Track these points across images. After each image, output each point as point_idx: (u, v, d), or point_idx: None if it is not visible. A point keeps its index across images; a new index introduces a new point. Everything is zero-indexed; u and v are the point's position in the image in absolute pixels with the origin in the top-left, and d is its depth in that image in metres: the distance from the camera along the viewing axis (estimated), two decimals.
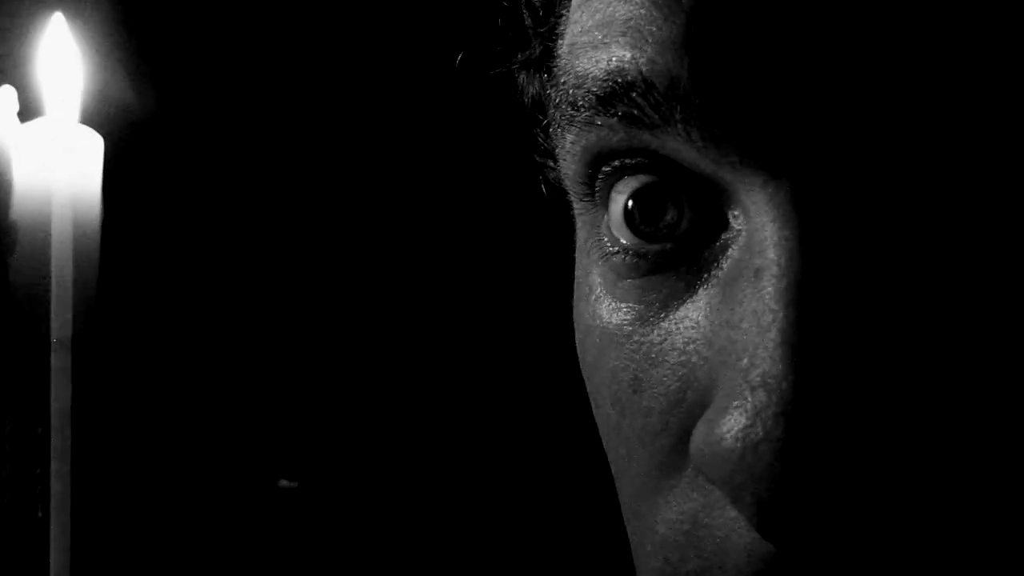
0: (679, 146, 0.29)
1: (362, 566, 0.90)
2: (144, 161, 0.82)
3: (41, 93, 0.41)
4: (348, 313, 0.94)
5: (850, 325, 0.27)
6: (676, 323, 0.31)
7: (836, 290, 0.27)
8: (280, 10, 0.91)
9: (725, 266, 0.30)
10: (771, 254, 0.27)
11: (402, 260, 0.93)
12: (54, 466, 0.36)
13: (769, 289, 0.27)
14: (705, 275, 0.30)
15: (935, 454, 0.27)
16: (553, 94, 0.35)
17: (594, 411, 0.36)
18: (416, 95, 0.89)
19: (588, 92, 0.31)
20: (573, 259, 0.37)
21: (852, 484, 0.26)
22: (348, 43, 0.90)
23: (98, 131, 0.40)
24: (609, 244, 0.33)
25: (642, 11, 0.29)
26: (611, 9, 0.30)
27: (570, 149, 0.33)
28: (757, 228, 0.28)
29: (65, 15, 0.42)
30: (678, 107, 0.28)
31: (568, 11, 0.34)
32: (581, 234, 0.36)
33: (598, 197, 0.33)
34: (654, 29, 0.29)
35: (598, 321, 0.33)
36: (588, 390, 0.36)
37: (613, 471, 0.35)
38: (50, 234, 0.38)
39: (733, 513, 0.29)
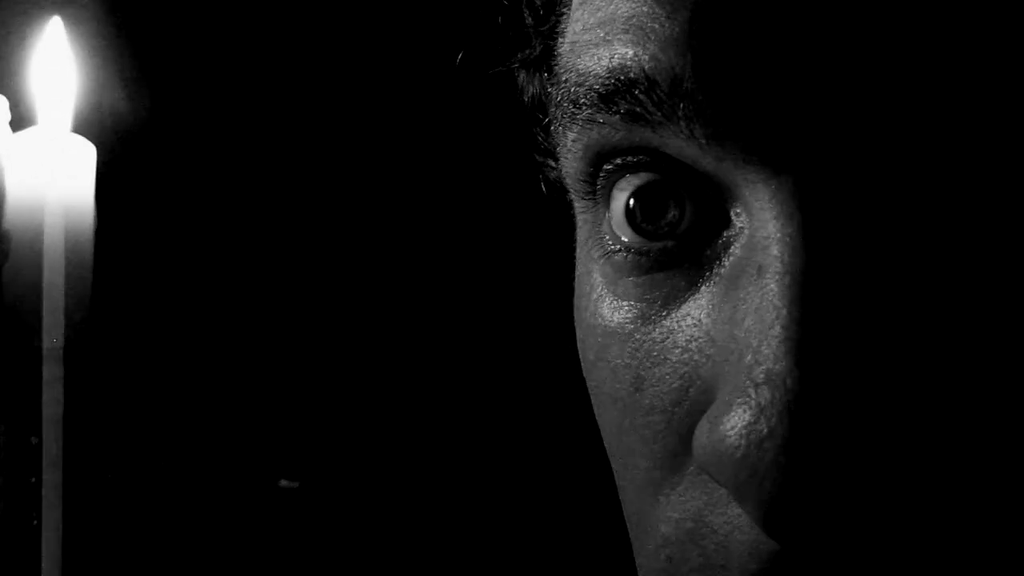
0: (681, 143, 0.29)
1: (362, 566, 0.90)
2: (138, 170, 0.82)
3: (34, 103, 0.40)
4: (347, 313, 0.94)
5: (853, 322, 0.27)
6: (678, 321, 0.31)
7: (839, 287, 0.27)
8: (277, 13, 0.91)
9: (727, 264, 0.30)
10: (774, 251, 0.27)
11: (402, 260, 0.93)
12: (46, 475, 0.36)
13: (772, 286, 0.27)
14: (707, 273, 0.30)
15: (940, 451, 0.27)
16: (554, 92, 0.35)
17: (595, 410, 0.36)
18: (416, 94, 0.89)
19: (590, 90, 0.31)
20: (574, 258, 0.37)
21: (857, 481, 0.26)
22: (347, 44, 0.90)
23: (91, 140, 0.40)
24: (610, 242, 0.33)
25: (644, 8, 0.29)
26: (613, 7, 0.30)
27: (571, 147, 0.33)
28: (760, 225, 0.28)
29: (61, 21, 0.42)
30: (681, 104, 0.28)
31: (569, 9, 0.34)
32: (582, 233, 0.36)
33: (599, 195, 0.33)
34: (656, 26, 0.29)
35: (599, 320, 0.33)
36: (589, 389, 0.36)
37: (614, 470, 0.35)
38: (42, 244, 0.37)
39: (736, 511, 0.28)
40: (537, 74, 0.40)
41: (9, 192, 0.38)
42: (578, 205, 0.35)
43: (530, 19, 0.39)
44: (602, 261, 0.33)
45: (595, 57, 0.30)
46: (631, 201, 0.32)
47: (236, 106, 0.91)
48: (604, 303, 0.33)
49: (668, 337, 0.31)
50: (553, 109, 0.35)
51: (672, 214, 0.31)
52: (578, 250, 0.36)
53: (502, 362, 0.90)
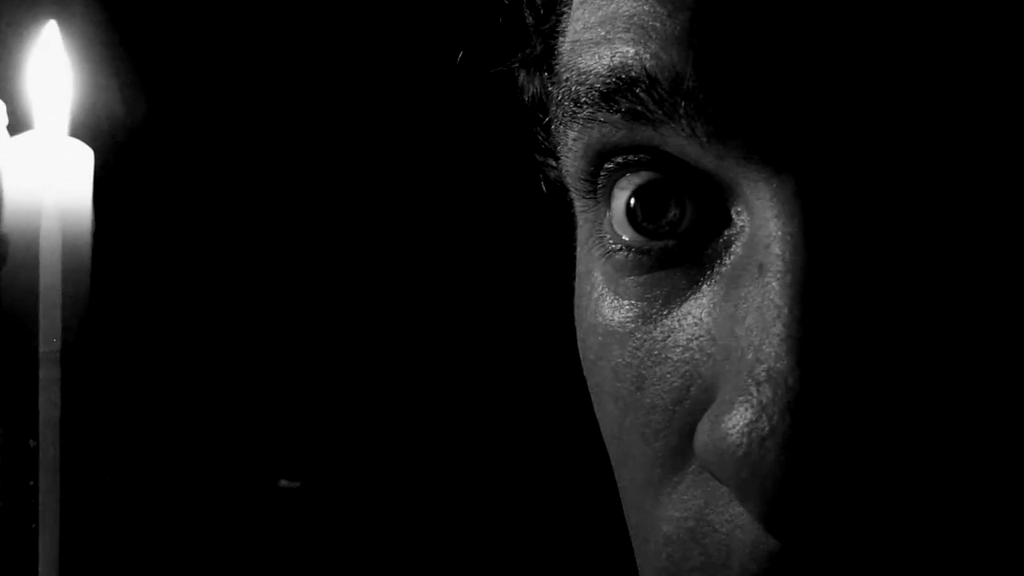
0: (682, 142, 0.29)
1: (362, 566, 0.90)
2: (135, 173, 0.82)
3: (30, 106, 0.40)
4: (348, 312, 0.93)
5: (855, 320, 0.27)
6: (679, 320, 0.31)
7: (841, 285, 0.27)
8: (276, 15, 0.90)
9: (728, 262, 0.30)
10: (775, 249, 0.27)
11: (402, 260, 0.92)
12: (43, 478, 0.36)
13: (774, 284, 0.27)
14: (708, 272, 0.30)
15: (941, 448, 0.27)
16: (555, 91, 0.35)
17: (595, 409, 0.36)
18: (416, 94, 0.89)
19: (591, 88, 0.31)
20: (574, 257, 0.37)
21: (858, 479, 0.26)
22: (347, 45, 0.90)
23: (88, 143, 0.40)
24: (611, 241, 0.33)
25: (646, 7, 0.29)
26: (614, 5, 0.30)
27: (572, 146, 0.33)
28: (761, 224, 0.28)
29: (58, 25, 0.42)
30: (682, 102, 0.28)
31: (570, 9, 0.34)
32: (582, 232, 0.36)
33: (600, 194, 0.33)
34: (658, 24, 0.29)
35: (600, 319, 0.33)
36: (589, 388, 0.36)
37: (615, 469, 0.35)
38: (39, 247, 0.37)
39: (737, 509, 0.29)
40: (538, 73, 0.40)
41: (6, 195, 0.38)
42: (579, 204, 0.35)
43: (531, 18, 0.39)
44: (603, 260, 0.33)
45: (596, 56, 0.31)
46: (632, 200, 0.32)
47: (234, 109, 0.91)
48: (605, 302, 0.33)
49: (669, 336, 0.31)
50: (554, 108, 0.35)
51: (673, 213, 0.31)
52: (578, 249, 0.36)
53: (502, 362, 0.90)
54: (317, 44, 0.91)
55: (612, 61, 0.30)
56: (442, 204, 0.91)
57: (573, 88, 0.32)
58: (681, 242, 0.31)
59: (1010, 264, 0.27)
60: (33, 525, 0.36)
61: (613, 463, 0.35)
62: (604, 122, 0.31)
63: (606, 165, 0.32)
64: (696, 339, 0.30)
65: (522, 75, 0.42)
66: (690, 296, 0.31)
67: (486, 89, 0.44)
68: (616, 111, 0.30)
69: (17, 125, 0.40)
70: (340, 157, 0.92)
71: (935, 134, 0.27)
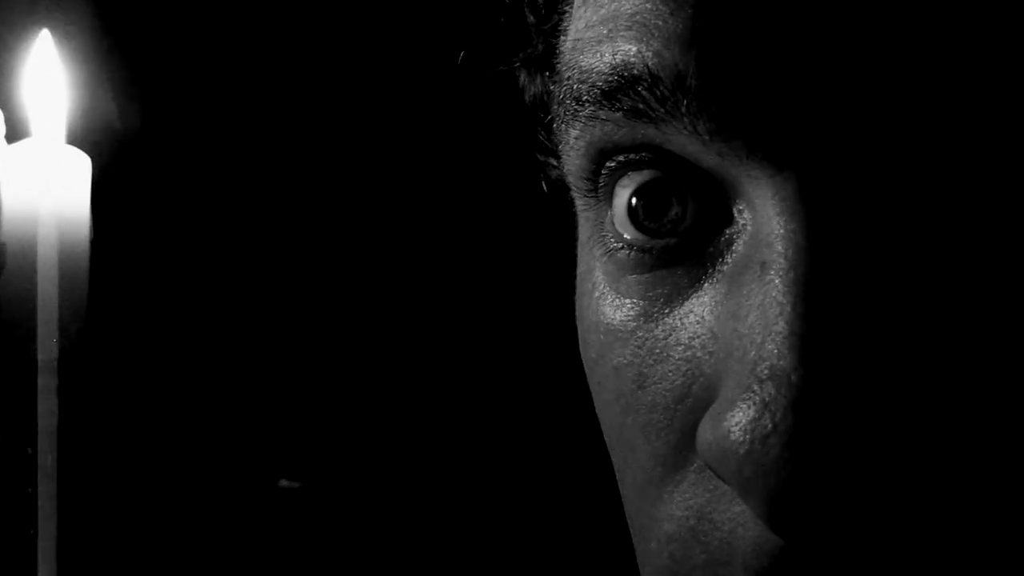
0: (684, 140, 0.29)
1: (362, 566, 0.90)
2: (132, 180, 0.82)
3: (27, 114, 0.40)
4: (348, 312, 0.93)
5: (858, 317, 0.27)
6: (681, 318, 0.31)
7: (843, 282, 0.27)
8: (275, 17, 0.90)
9: (730, 261, 0.30)
10: (778, 247, 0.27)
11: (403, 259, 0.92)
12: (41, 486, 0.36)
13: (776, 282, 0.27)
14: (710, 270, 0.30)
15: (945, 446, 0.27)
16: (556, 90, 0.35)
17: (597, 408, 0.36)
18: (417, 94, 0.89)
19: (593, 87, 0.31)
20: (575, 256, 0.37)
21: (861, 476, 0.26)
22: (347, 45, 0.90)
23: (85, 151, 0.40)
24: (613, 240, 0.33)
25: (648, 5, 0.29)
26: (616, 4, 0.30)
27: (574, 145, 0.33)
28: (763, 222, 0.28)
29: (51, 34, 0.42)
30: (684, 100, 0.28)
31: (571, 8, 0.34)
32: (584, 231, 0.36)
33: (601, 193, 0.33)
34: (660, 23, 0.29)
35: (601, 318, 0.33)
36: (591, 387, 0.36)
37: (616, 468, 0.35)
38: (36, 255, 0.37)
39: (740, 507, 0.28)
40: (539, 73, 0.40)
41: (4, 203, 0.38)
42: (580, 203, 0.35)
43: (532, 18, 0.39)
44: (604, 259, 0.33)
45: (598, 54, 0.31)
46: (633, 199, 0.32)
47: (230, 115, 0.91)
48: (606, 301, 0.33)
49: (671, 334, 0.31)
50: (555, 107, 0.35)
51: (675, 211, 0.31)
52: (579, 248, 0.37)
53: (503, 361, 0.90)
54: (316, 46, 0.91)
55: (614, 59, 0.30)
56: (443, 204, 0.91)
57: (575, 87, 0.32)
58: (683, 240, 0.31)
59: (1012, 261, 0.27)
60: (31, 532, 0.36)
61: (614, 462, 0.35)
62: (606, 120, 0.31)
63: (608, 164, 0.32)
64: (698, 337, 0.30)
65: (523, 75, 0.42)
66: (692, 294, 0.31)
67: (487, 89, 0.44)
68: (618, 109, 0.30)
69: (14, 133, 0.40)
70: (340, 157, 0.92)
71: (936, 132, 0.27)
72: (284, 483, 0.89)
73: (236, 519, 0.90)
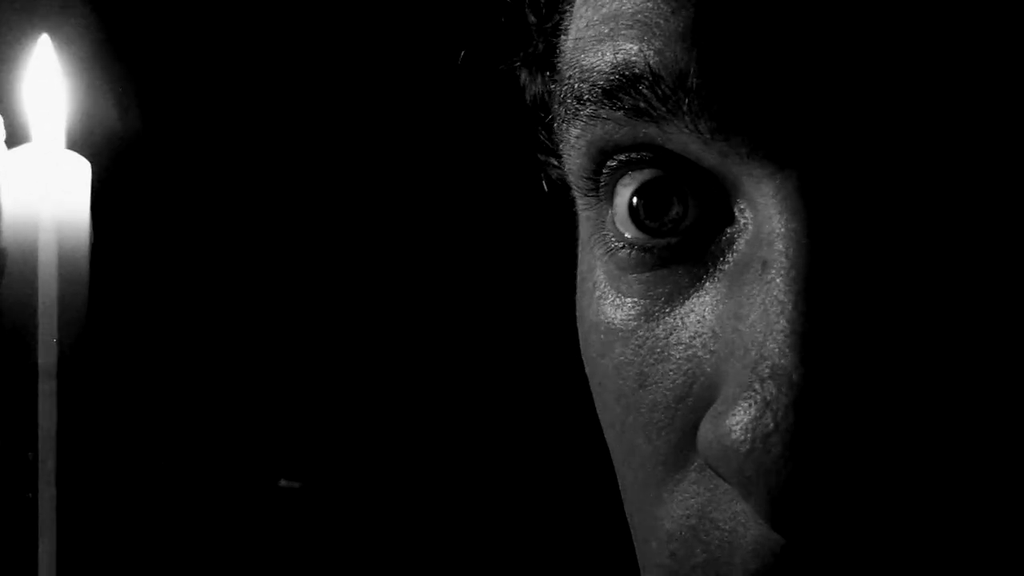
0: (685, 139, 0.29)
1: (362, 566, 0.90)
2: (134, 185, 0.82)
3: (27, 119, 0.40)
4: (348, 312, 0.93)
5: (859, 316, 0.27)
6: (682, 318, 0.31)
7: (844, 281, 0.27)
8: (273, 20, 0.90)
9: (731, 260, 0.30)
10: (779, 246, 0.27)
11: (403, 259, 0.92)
12: (41, 491, 0.36)
13: (777, 281, 0.27)
14: (711, 269, 0.30)
15: (947, 445, 0.27)
16: (557, 90, 0.35)
17: (597, 407, 0.36)
18: (418, 94, 0.89)
19: (594, 86, 0.31)
20: (575, 256, 0.37)
21: (863, 476, 0.26)
22: (346, 46, 0.90)
23: (85, 156, 0.40)
24: (614, 239, 0.33)
25: (649, 4, 0.29)
26: (617, 3, 0.30)
27: (575, 144, 0.33)
28: (764, 221, 0.28)
29: (51, 39, 0.42)
30: (686, 99, 0.28)
31: (572, 7, 0.35)
32: (584, 230, 0.36)
33: (602, 192, 0.33)
34: (662, 21, 0.29)
35: (602, 317, 0.33)
36: (591, 386, 0.36)
37: (616, 467, 0.35)
38: (36, 261, 0.37)
39: (741, 506, 0.28)
40: (540, 72, 0.40)
41: (4, 209, 0.38)
42: (581, 202, 0.35)
43: (533, 17, 0.39)
44: (605, 258, 0.33)
45: (599, 53, 0.31)
46: (634, 198, 0.32)
47: (231, 119, 0.91)
48: (607, 300, 0.33)
49: (672, 334, 0.31)
50: (556, 106, 0.35)
51: (675, 211, 0.31)
52: (580, 248, 0.37)
53: (504, 361, 0.90)
54: (316, 47, 0.91)
55: (615, 58, 0.30)
56: (444, 204, 0.91)
57: (576, 85, 0.32)
58: (684, 239, 0.31)
59: (1013, 259, 0.27)
60: (32, 536, 0.36)
61: (615, 461, 0.35)
62: (607, 119, 0.31)
63: (608, 163, 0.32)
64: (699, 336, 0.30)
65: (524, 74, 0.42)
66: (693, 293, 0.31)
67: (488, 88, 0.44)
68: (619, 108, 0.30)
69: (14, 138, 0.40)
70: (341, 158, 0.92)
71: (937, 130, 0.27)
72: (284, 483, 0.89)
73: (236, 520, 0.90)
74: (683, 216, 0.31)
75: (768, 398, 0.26)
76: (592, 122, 0.31)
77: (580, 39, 0.32)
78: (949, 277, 0.27)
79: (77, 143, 0.41)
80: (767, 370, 0.27)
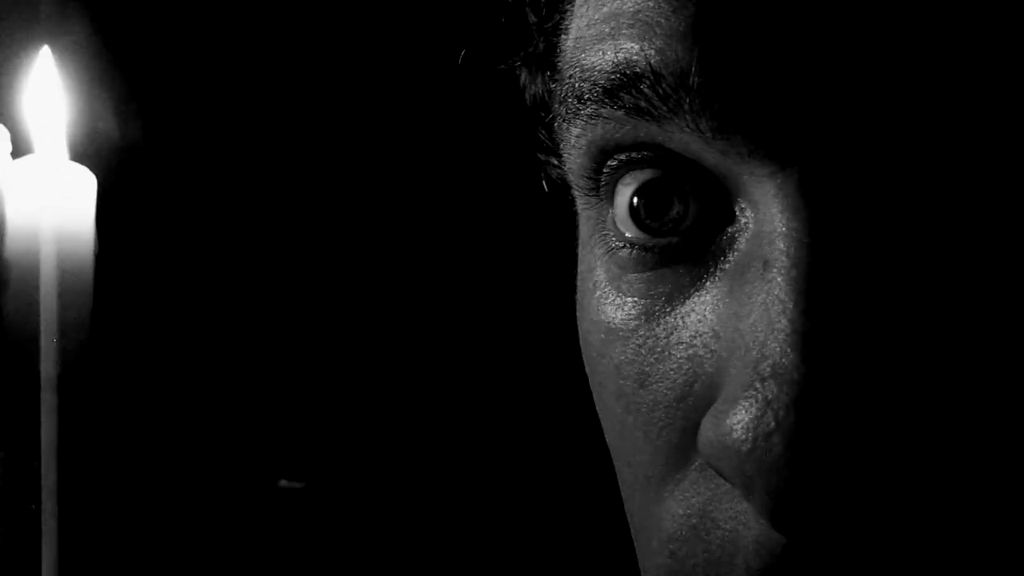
0: (686, 138, 0.29)
1: (362, 566, 0.90)
2: (136, 195, 0.82)
3: (30, 130, 0.41)
4: (348, 312, 0.93)
5: (860, 315, 0.27)
6: (682, 317, 0.31)
7: (845, 280, 0.27)
8: (273, 21, 0.91)
9: (732, 259, 0.30)
10: (780, 245, 0.27)
11: (403, 259, 0.92)
12: (44, 503, 0.36)
13: (778, 280, 0.27)
14: (712, 269, 0.30)
15: (948, 444, 0.27)
16: (558, 89, 0.35)
17: (597, 407, 0.36)
18: (418, 94, 0.89)
19: (594, 85, 0.31)
20: (575, 256, 0.37)
21: (864, 475, 0.26)
22: (346, 46, 0.90)
23: (88, 167, 0.40)
24: (614, 239, 0.33)
25: (650, 3, 0.29)
26: (618, 2, 0.30)
27: (575, 143, 0.33)
28: (765, 220, 0.28)
29: (51, 50, 0.42)
30: (687, 98, 0.28)
31: (572, 6, 0.35)
32: (585, 229, 0.36)
33: (603, 192, 0.33)
34: (663, 20, 0.29)
35: (603, 316, 0.33)
36: (592, 386, 0.36)
37: (617, 467, 0.35)
38: (39, 272, 0.37)
39: (741, 505, 0.28)
40: (540, 72, 0.40)
41: (7, 220, 0.38)
42: (581, 202, 0.35)
43: (533, 17, 0.39)
44: (606, 258, 0.33)
45: (600, 52, 0.31)
46: (635, 198, 0.32)
47: (232, 127, 0.91)
48: (607, 300, 0.33)
49: (672, 333, 0.31)
50: (557, 106, 0.35)
51: (676, 210, 0.31)
52: (580, 247, 0.37)
53: (504, 361, 0.90)
54: (316, 49, 0.91)
55: (616, 57, 0.30)
56: (444, 204, 0.91)
57: (577, 85, 0.32)
58: (684, 239, 0.31)
59: (1014, 257, 0.27)
60: (35, 548, 0.36)
61: (615, 460, 0.35)
62: (608, 119, 0.31)
63: (609, 162, 0.32)
64: (700, 336, 0.30)
65: (524, 74, 0.42)
66: (693, 293, 0.31)
67: (488, 88, 0.44)
68: (620, 107, 0.30)
69: (16, 150, 0.40)
70: (341, 159, 0.92)
71: (938, 129, 0.27)
72: (284, 483, 0.89)
73: (236, 521, 0.90)
74: (684, 216, 0.31)
75: (769, 397, 0.26)
76: (593, 121, 0.31)
77: (581, 38, 0.32)
78: (950, 276, 0.27)
79: (80, 154, 0.41)
80: (768, 369, 0.27)
